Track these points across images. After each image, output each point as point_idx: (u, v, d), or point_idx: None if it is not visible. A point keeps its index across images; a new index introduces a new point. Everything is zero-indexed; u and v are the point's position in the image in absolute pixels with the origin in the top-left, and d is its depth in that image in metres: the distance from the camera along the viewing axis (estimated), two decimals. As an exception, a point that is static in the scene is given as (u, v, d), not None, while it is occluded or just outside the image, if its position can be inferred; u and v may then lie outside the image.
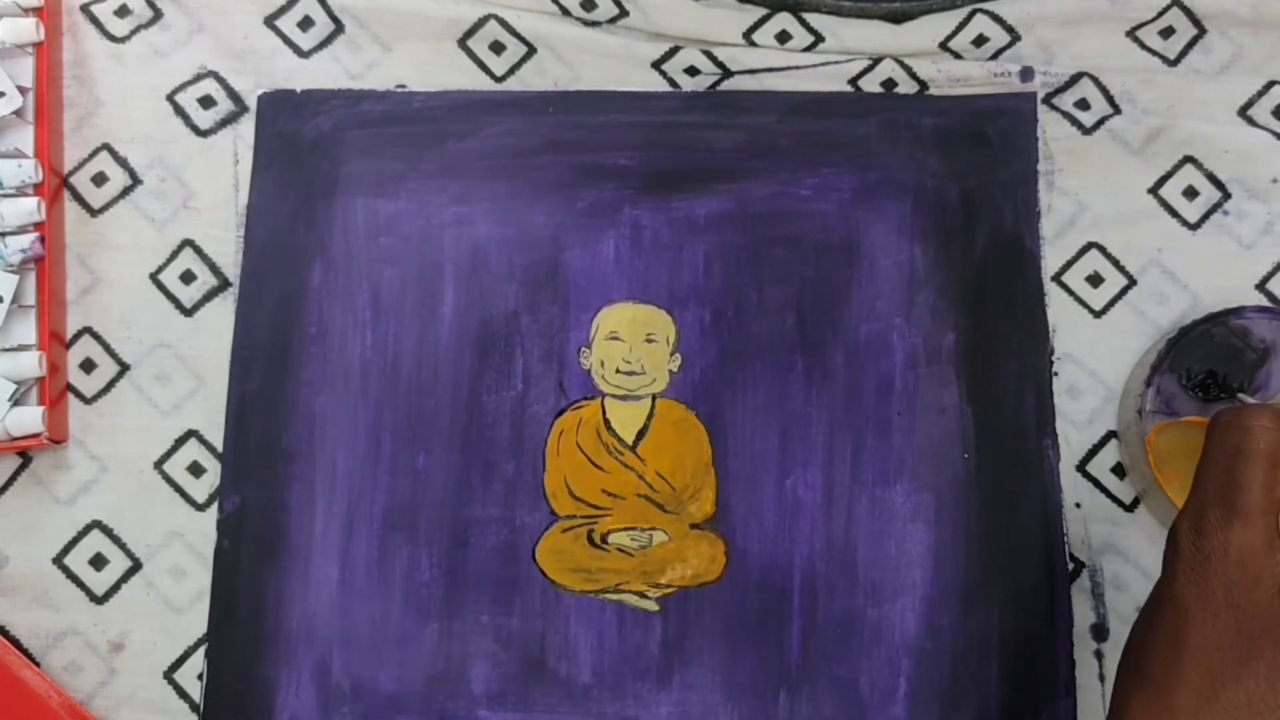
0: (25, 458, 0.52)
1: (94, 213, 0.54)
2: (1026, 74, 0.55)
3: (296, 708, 0.50)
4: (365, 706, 0.50)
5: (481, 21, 0.56)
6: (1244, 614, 0.39)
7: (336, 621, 0.50)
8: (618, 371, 0.52)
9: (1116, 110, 0.55)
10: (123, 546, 0.51)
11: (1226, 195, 0.54)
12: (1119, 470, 0.52)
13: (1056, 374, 0.52)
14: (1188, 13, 0.56)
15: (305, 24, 0.56)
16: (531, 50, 0.56)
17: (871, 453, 0.51)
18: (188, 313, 0.54)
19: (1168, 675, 0.40)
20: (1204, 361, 0.50)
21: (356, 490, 0.51)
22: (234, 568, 0.51)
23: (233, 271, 0.54)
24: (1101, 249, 0.54)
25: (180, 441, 0.52)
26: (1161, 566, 0.42)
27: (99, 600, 0.51)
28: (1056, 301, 0.53)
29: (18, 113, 0.53)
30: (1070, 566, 0.50)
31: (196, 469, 0.52)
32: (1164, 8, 0.56)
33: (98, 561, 0.51)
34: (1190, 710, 0.39)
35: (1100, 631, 0.50)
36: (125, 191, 0.55)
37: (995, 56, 0.56)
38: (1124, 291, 0.53)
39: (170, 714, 0.50)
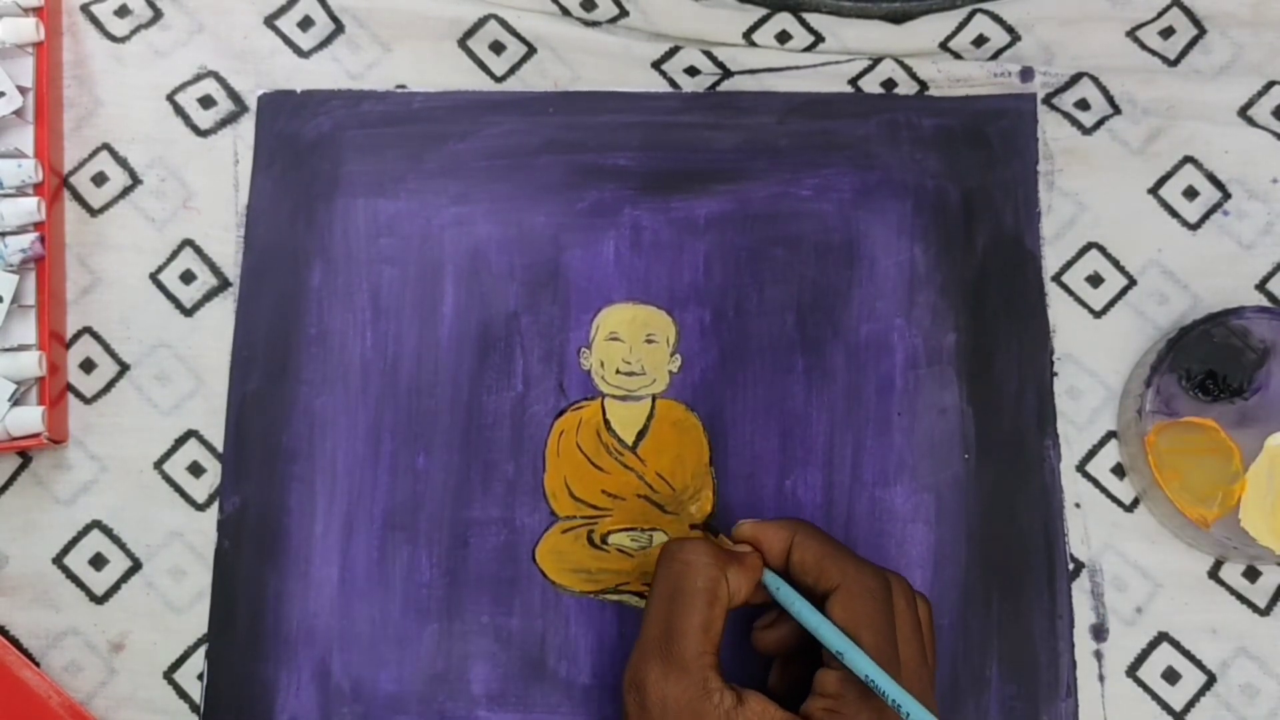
0: (25, 458, 0.52)
1: (94, 213, 0.54)
2: (1027, 74, 0.55)
3: (297, 708, 0.50)
4: (365, 707, 0.50)
5: (481, 21, 0.56)
6: None
7: (337, 622, 0.50)
8: (618, 372, 0.52)
9: (1116, 110, 0.55)
10: (123, 546, 0.51)
11: (1226, 195, 0.54)
12: (1119, 470, 0.52)
13: (1056, 374, 0.52)
14: (1188, 13, 0.56)
15: (305, 24, 0.56)
16: (532, 50, 0.56)
17: (871, 453, 0.51)
18: (188, 313, 0.53)
19: None
20: (1204, 362, 0.50)
21: (356, 491, 0.51)
22: (234, 568, 0.51)
23: (233, 271, 0.54)
24: (1101, 249, 0.54)
25: (180, 441, 0.52)
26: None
27: (99, 600, 0.51)
28: (1056, 302, 0.53)
29: (18, 113, 0.52)
30: (1070, 566, 0.51)
31: (196, 469, 0.52)
32: (1164, 8, 0.56)
33: (98, 561, 0.51)
34: None
35: (1100, 631, 0.50)
36: (125, 191, 0.55)
37: (995, 57, 0.56)
38: (1124, 292, 0.53)
39: (170, 714, 0.50)
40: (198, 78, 0.56)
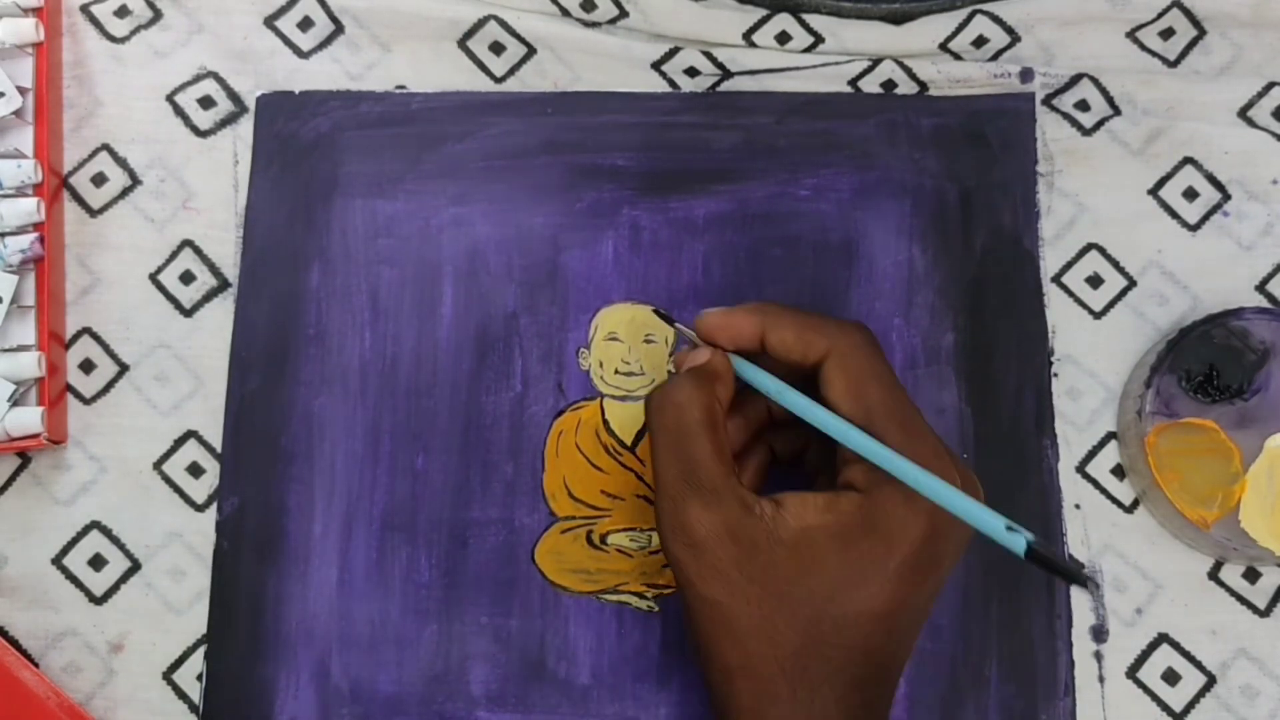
0: (24, 458, 0.52)
1: (93, 213, 0.54)
2: (1026, 75, 0.55)
3: (296, 709, 0.50)
4: (364, 708, 0.50)
5: (481, 22, 0.56)
6: (763, 585, 0.40)
7: (336, 623, 0.50)
8: (616, 372, 0.52)
9: (1116, 111, 0.55)
10: (122, 547, 0.51)
11: (1226, 196, 0.54)
12: (1119, 471, 0.52)
13: (1056, 375, 0.52)
14: (1188, 14, 0.56)
15: (305, 24, 0.56)
16: (531, 51, 0.56)
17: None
18: (187, 313, 0.54)
19: (730, 661, 0.41)
20: (1204, 363, 0.50)
21: (355, 491, 0.51)
22: (233, 569, 0.51)
23: (232, 272, 0.54)
24: (1101, 250, 0.54)
25: (180, 442, 0.52)
26: (675, 575, 0.42)
27: (98, 601, 0.51)
28: (1056, 302, 0.53)
29: (17, 113, 0.52)
30: (1070, 568, 0.51)
31: (196, 469, 0.52)
32: (1164, 9, 0.56)
33: (97, 562, 0.51)
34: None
35: (1100, 632, 0.50)
36: (125, 192, 0.55)
37: (995, 58, 0.56)
38: (1124, 293, 0.53)
39: (169, 715, 0.50)
40: (197, 78, 0.56)
